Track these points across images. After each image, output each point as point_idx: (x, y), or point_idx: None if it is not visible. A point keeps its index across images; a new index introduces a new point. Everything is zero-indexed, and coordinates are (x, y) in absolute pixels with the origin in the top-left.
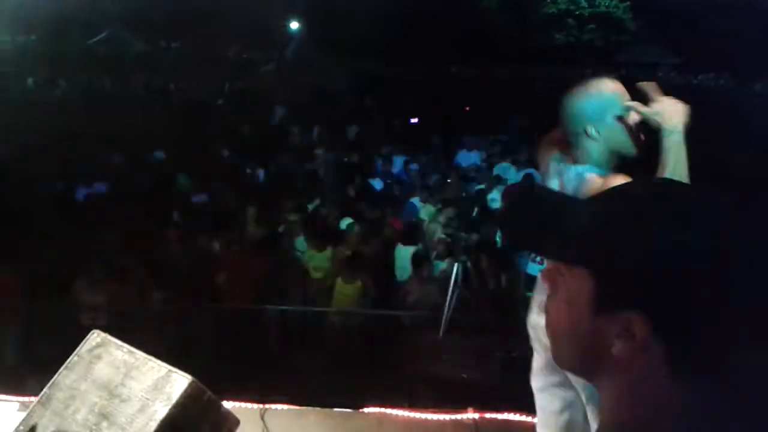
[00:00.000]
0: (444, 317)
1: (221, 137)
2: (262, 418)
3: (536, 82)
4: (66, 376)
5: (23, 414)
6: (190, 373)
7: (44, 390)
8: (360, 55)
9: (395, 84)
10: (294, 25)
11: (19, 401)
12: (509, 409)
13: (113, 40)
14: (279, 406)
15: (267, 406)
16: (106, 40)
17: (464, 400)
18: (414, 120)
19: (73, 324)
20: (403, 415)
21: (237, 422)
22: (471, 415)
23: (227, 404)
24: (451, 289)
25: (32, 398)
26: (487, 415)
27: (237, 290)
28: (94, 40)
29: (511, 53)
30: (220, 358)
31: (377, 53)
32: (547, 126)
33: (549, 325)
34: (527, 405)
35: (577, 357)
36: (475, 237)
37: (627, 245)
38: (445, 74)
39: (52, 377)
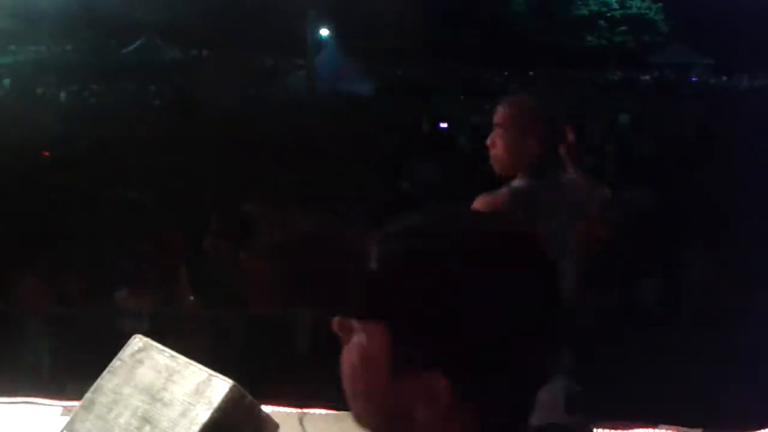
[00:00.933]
0: None
1: (251, 144)
2: (301, 422)
3: (567, 84)
4: (109, 381)
5: (66, 418)
6: (230, 377)
7: (87, 394)
8: (390, 61)
9: (424, 88)
10: (324, 32)
11: (61, 406)
12: None
13: (146, 49)
14: (317, 411)
15: (305, 410)
16: (140, 48)
17: None
18: (443, 125)
19: (112, 330)
20: None
21: (276, 426)
22: None
23: (266, 408)
24: None
25: (75, 403)
26: None
27: (272, 295)
28: (128, 49)
29: (542, 56)
30: (259, 362)
31: (407, 58)
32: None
33: (345, 382)
34: None
35: (381, 422)
36: None
37: (422, 293)
38: (476, 78)
39: (91, 382)
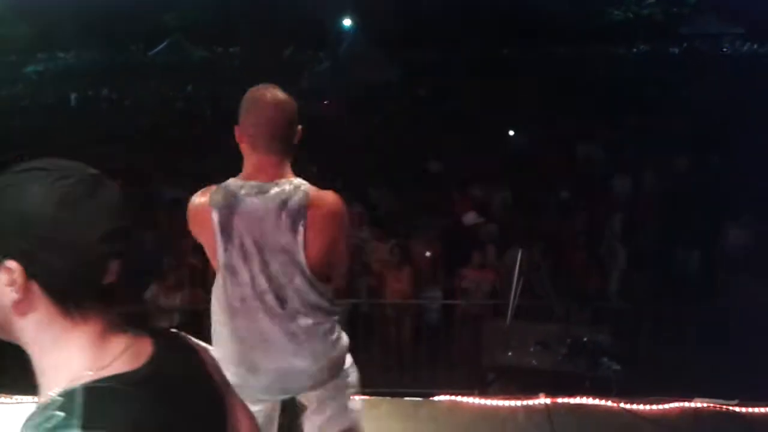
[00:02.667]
0: (510, 304)
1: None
2: None
3: (596, 60)
4: None
5: None
6: None
7: None
8: (413, 45)
9: (450, 71)
10: (347, 22)
11: None
12: (581, 393)
13: (172, 50)
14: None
15: None
16: (166, 50)
17: (534, 387)
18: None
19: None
20: (473, 403)
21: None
22: (543, 400)
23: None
24: (516, 275)
25: None
26: (560, 400)
27: None
28: (155, 51)
29: (569, 32)
30: None
31: (430, 41)
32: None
33: None
34: (598, 389)
35: None
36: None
37: None
38: (501, 57)
39: None
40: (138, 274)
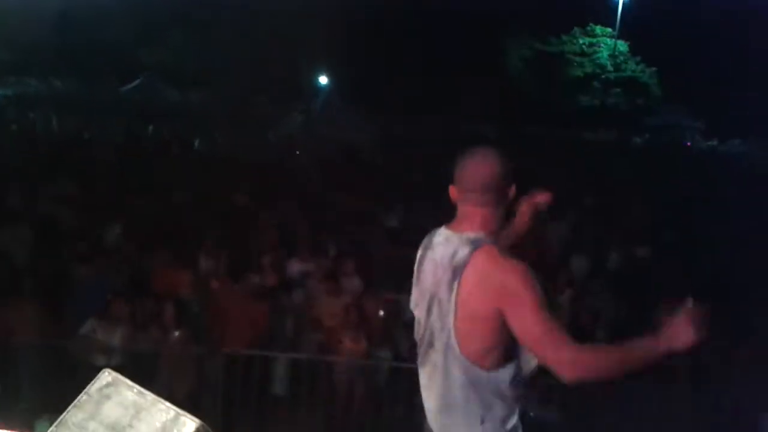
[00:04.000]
0: None
1: (242, 186)
2: None
3: (560, 142)
4: (74, 415)
5: None
6: (200, 417)
7: (51, 428)
8: (385, 112)
9: (418, 140)
10: (323, 80)
11: None
12: None
13: (145, 88)
14: None
15: None
16: (139, 87)
17: None
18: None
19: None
20: None
21: None
22: None
23: None
24: None
25: None
26: None
27: (247, 336)
28: (127, 87)
29: (536, 114)
30: (231, 404)
31: (401, 109)
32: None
33: None
34: None
35: None
36: None
37: None
38: (470, 132)
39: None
40: None
